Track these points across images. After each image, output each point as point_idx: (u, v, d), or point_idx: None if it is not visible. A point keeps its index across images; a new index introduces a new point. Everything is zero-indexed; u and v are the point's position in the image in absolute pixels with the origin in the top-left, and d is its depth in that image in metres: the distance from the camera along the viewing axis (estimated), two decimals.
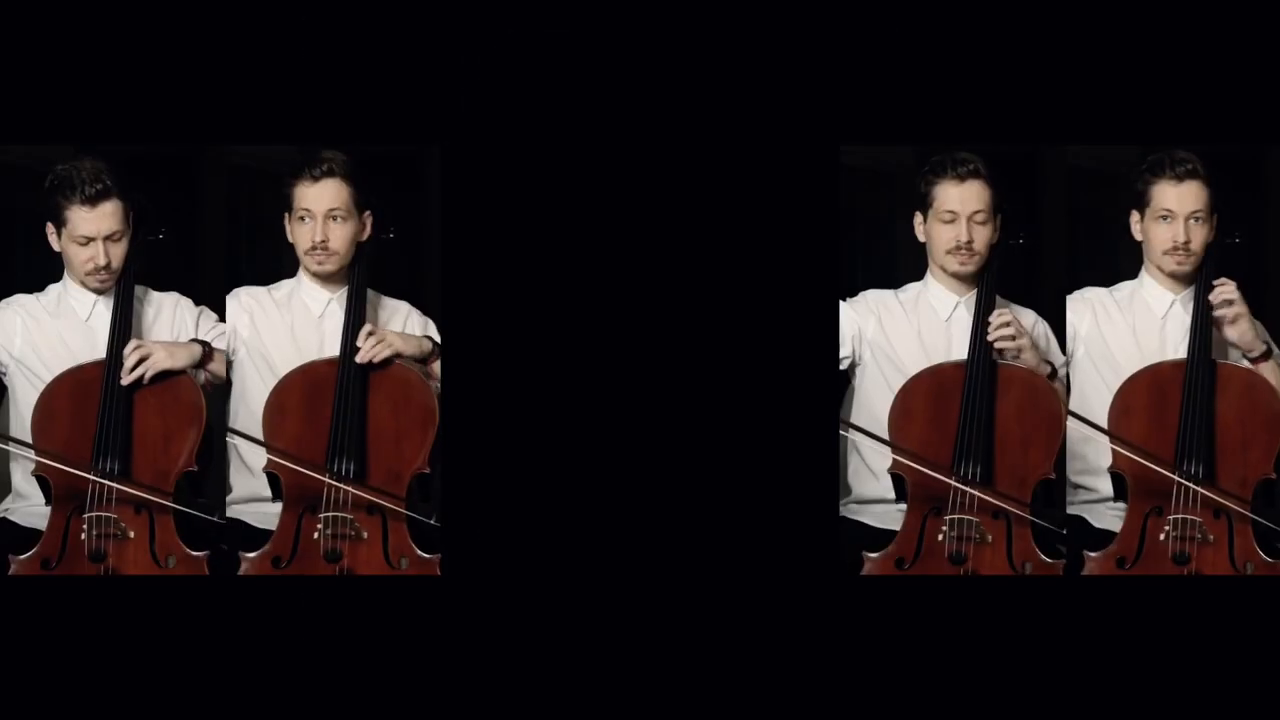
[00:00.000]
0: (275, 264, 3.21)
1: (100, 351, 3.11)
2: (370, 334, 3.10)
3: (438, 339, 3.16)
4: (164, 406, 3.07)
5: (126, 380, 3.07)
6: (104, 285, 3.14)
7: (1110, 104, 3.06)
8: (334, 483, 3.00)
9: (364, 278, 3.16)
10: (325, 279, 3.18)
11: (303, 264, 3.18)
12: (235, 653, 2.95)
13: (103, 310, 3.15)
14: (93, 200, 3.09)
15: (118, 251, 3.12)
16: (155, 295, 3.22)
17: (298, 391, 3.08)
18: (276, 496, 3.05)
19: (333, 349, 3.12)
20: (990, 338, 3.12)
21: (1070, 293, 3.20)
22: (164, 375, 3.09)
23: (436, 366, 3.10)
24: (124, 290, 3.13)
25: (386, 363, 3.09)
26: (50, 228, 3.13)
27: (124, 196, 3.11)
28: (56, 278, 3.19)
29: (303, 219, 3.13)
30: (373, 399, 3.07)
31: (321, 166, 3.11)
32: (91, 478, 3.01)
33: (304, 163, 3.11)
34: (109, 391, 3.06)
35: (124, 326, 3.11)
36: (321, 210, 3.12)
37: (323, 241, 3.13)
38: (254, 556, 3.03)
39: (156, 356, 3.09)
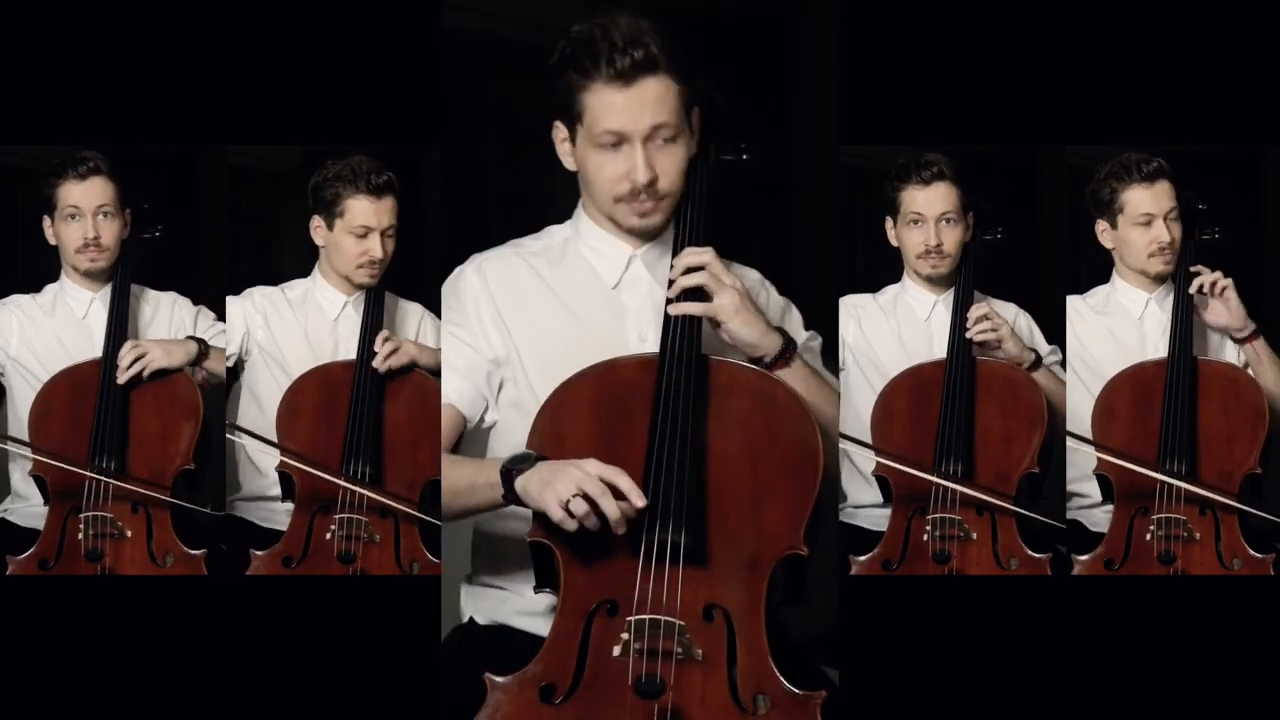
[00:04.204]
0: (274, 264, 3.20)
1: (97, 350, 3.10)
2: (387, 340, 3.08)
3: None
4: (160, 404, 3.06)
5: (123, 379, 3.05)
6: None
7: (1111, 104, 3.06)
8: (351, 485, 3.00)
9: (383, 283, 3.15)
10: (344, 281, 3.17)
11: (349, 273, 3.15)
12: (232, 652, 2.95)
13: (99, 309, 3.14)
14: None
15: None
16: (153, 294, 3.22)
17: (313, 393, 3.07)
18: (287, 496, 3.04)
19: (347, 351, 3.11)
20: (970, 334, 3.11)
21: (1070, 293, 3.20)
22: (160, 373, 3.08)
23: None
24: (120, 288, 3.13)
25: (405, 369, 3.08)
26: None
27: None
28: (55, 277, 3.19)
29: (362, 235, 3.11)
30: (389, 404, 3.06)
31: (381, 178, 3.10)
32: (88, 474, 3.00)
33: (354, 175, 3.09)
34: (105, 390, 3.05)
35: (120, 324, 3.10)
36: (381, 226, 3.12)
37: (378, 259, 3.12)
38: (264, 554, 3.02)
39: (153, 354, 3.07)
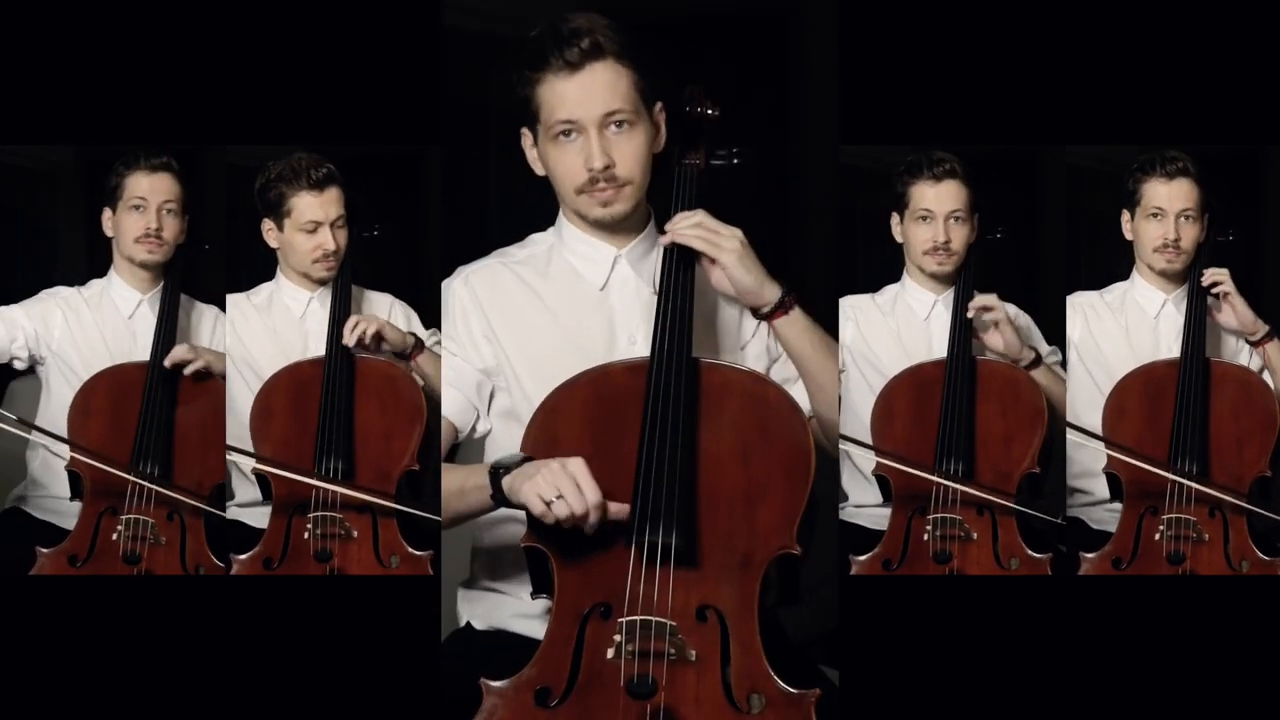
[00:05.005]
0: (274, 263, 3.21)
1: (140, 351, 3.11)
2: (358, 324, 3.05)
3: (423, 332, 3.15)
4: (204, 415, 3.07)
5: (189, 370, 3.05)
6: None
7: (1110, 104, 3.05)
8: (321, 484, 2.99)
9: (349, 275, 3.15)
10: (304, 279, 3.16)
11: (306, 269, 3.15)
12: (229, 652, 2.95)
13: (146, 310, 3.16)
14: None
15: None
16: (199, 305, 3.24)
17: (283, 393, 3.05)
18: (267, 498, 3.03)
19: (317, 348, 3.10)
20: (970, 313, 3.09)
21: (1070, 293, 3.20)
22: (206, 384, 3.09)
23: (420, 360, 3.06)
24: (170, 292, 3.14)
25: (374, 361, 3.05)
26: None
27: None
28: (52, 279, 3.19)
29: (311, 230, 3.11)
30: (360, 397, 3.04)
31: (321, 171, 3.09)
32: (131, 479, 2.99)
33: (295, 174, 3.09)
34: (151, 396, 3.05)
35: (169, 332, 3.10)
36: (329, 218, 3.11)
37: (331, 251, 3.11)
38: (244, 558, 3.01)
39: (205, 355, 3.09)
